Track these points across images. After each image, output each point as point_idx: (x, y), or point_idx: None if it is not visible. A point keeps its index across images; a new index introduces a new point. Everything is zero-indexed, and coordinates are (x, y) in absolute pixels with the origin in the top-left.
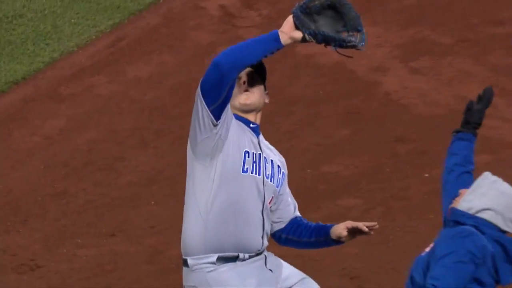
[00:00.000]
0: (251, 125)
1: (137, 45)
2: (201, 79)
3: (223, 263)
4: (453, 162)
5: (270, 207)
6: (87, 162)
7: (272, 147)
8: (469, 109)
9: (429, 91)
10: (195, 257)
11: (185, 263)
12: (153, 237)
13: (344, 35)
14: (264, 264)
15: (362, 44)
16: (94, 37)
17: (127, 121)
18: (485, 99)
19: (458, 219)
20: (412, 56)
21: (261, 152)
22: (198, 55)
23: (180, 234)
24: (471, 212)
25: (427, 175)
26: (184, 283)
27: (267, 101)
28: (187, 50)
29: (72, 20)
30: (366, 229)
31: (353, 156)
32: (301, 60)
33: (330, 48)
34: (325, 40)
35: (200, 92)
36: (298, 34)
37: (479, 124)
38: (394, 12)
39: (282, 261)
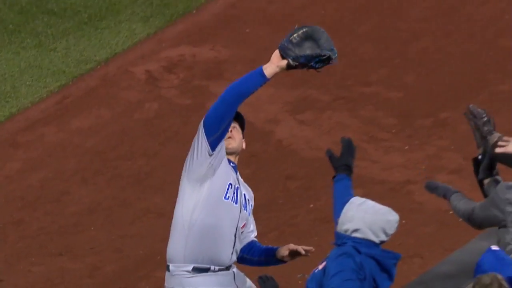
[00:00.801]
0: (231, 164)
1: (80, 102)
2: (205, 115)
3: (197, 273)
4: (337, 197)
5: (242, 232)
6: (39, 196)
7: (245, 184)
8: (329, 157)
9: (313, 139)
10: (175, 264)
11: (167, 268)
12: (93, 256)
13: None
14: (233, 279)
15: (336, 56)
16: (45, 95)
17: (72, 163)
18: (344, 147)
19: (340, 241)
20: (299, 110)
21: (238, 186)
22: (129, 110)
23: (115, 254)
24: (347, 233)
25: (312, 205)
26: (165, 285)
27: (244, 146)
28: (119, 106)
29: (28, 83)
30: (303, 252)
31: (253, 190)
32: None
33: (311, 68)
34: (307, 60)
35: (203, 124)
36: (284, 62)
37: (347, 165)
38: (284, 75)
39: (247, 278)
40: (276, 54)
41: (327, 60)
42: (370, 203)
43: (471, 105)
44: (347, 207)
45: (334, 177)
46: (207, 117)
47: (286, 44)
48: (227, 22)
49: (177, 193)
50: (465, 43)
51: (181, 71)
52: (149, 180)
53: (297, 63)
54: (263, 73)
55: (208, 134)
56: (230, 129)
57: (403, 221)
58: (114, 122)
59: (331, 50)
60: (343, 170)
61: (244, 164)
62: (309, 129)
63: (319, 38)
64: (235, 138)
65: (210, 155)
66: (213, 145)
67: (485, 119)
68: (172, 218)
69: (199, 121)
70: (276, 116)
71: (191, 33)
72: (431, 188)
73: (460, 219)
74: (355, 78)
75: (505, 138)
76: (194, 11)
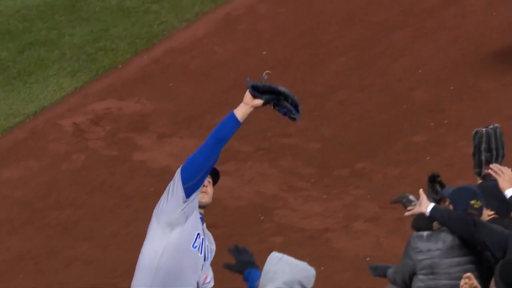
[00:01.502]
0: (200, 214)
1: (9, 154)
2: (184, 162)
3: None
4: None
5: (203, 283)
6: None
7: (209, 235)
8: (229, 267)
9: (234, 188)
10: None
11: None
12: None
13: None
14: None
15: (299, 116)
16: None
17: (1, 213)
18: (234, 253)
19: None
20: (221, 161)
21: (204, 237)
22: (56, 161)
23: None
24: None
25: None
26: None
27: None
28: (47, 157)
29: None
30: None
31: None
32: (136, 164)
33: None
34: (284, 96)
35: (180, 170)
36: (258, 101)
37: (247, 262)
38: (207, 127)
39: None
40: (248, 95)
41: (294, 109)
42: (286, 259)
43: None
44: (266, 267)
45: (243, 277)
46: (186, 164)
47: (258, 84)
48: (151, 76)
49: (105, 240)
50: (380, 96)
51: (107, 123)
52: (77, 229)
53: (272, 100)
54: (236, 117)
55: (184, 181)
56: (206, 183)
57: (322, 268)
58: (42, 173)
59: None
60: (247, 266)
61: None
62: (231, 179)
63: (286, 94)
64: (209, 193)
65: (184, 202)
66: (188, 193)
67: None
68: (98, 264)
69: (125, 172)
70: None
71: (117, 87)
72: (372, 270)
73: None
74: (274, 130)
75: (412, 200)
76: (120, 66)
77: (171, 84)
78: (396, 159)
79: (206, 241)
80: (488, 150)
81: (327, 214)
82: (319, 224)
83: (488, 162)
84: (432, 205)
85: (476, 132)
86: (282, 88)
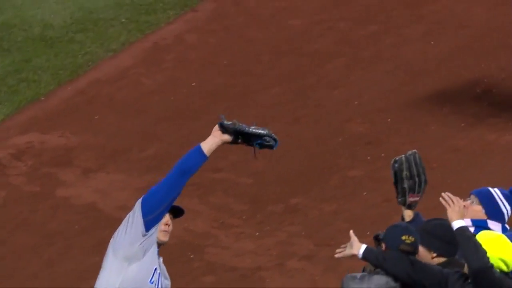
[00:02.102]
0: (156, 249)
1: None
2: (145, 193)
3: None
4: None
5: None
6: None
7: (165, 271)
8: None
9: None
10: None
11: None
12: None
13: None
14: None
15: (276, 144)
16: None
17: None
18: None
19: None
20: None
21: (160, 272)
22: None
23: None
24: None
25: None
26: None
27: None
28: None
29: None
30: None
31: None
32: (60, 200)
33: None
34: (258, 136)
35: (141, 202)
36: (227, 136)
37: None
38: (134, 161)
39: None
40: (216, 129)
41: (269, 144)
42: None
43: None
44: None
45: None
46: (147, 196)
47: (225, 124)
48: (76, 109)
49: (27, 280)
50: (315, 128)
51: (29, 158)
52: None
53: (242, 138)
54: (202, 151)
55: (145, 214)
56: (169, 222)
57: None
58: None
59: (274, 139)
60: None
61: (93, 253)
62: None
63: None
64: (169, 232)
65: (143, 236)
66: (148, 226)
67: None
68: None
69: (48, 209)
70: (126, 203)
71: (40, 120)
72: None
73: None
74: (204, 164)
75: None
76: (43, 98)
77: (96, 117)
78: (332, 194)
79: (162, 276)
80: (410, 177)
81: (260, 252)
82: (252, 263)
83: (412, 189)
84: (364, 246)
85: (395, 161)
86: (250, 130)
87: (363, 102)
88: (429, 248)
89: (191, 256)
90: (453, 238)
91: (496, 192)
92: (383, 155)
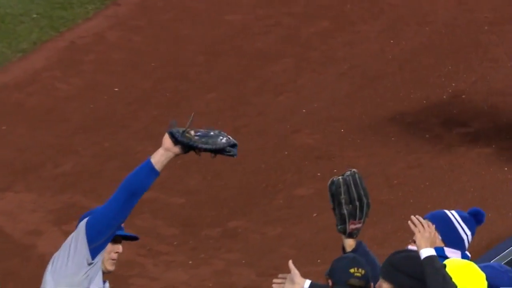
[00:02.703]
0: (101, 274)
1: None
2: (89, 218)
3: None
4: None
5: None
6: None
7: None
8: None
9: None
10: None
11: None
12: None
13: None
14: None
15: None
16: None
17: None
18: None
19: None
20: (65, 219)
21: None
22: None
23: None
24: None
25: None
26: None
27: None
28: None
29: None
30: None
31: None
32: None
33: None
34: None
35: (85, 228)
36: (180, 149)
37: None
38: (48, 179)
39: None
40: (167, 139)
41: (230, 154)
42: None
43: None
44: None
45: None
46: (93, 221)
47: (175, 133)
48: None
49: None
50: (257, 140)
51: None
52: None
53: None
54: (152, 165)
55: (90, 241)
56: (119, 250)
57: None
58: None
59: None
60: None
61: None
62: None
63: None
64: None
65: (89, 264)
66: (94, 254)
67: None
68: None
69: None
70: (38, 227)
71: None
72: None
73: None
74: None
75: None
76: None
77: (3, 128)
78: (277, 216)
79: None
80: (349, 202)
81: (194, 283)
82: None
83: (352, 215)
84: (308, 282)
85: (332, 182)
86: (208, 147)
87: (313, 110)
88: (396, 285)
89: None
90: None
91: (453, 215)
92: (335, 170)
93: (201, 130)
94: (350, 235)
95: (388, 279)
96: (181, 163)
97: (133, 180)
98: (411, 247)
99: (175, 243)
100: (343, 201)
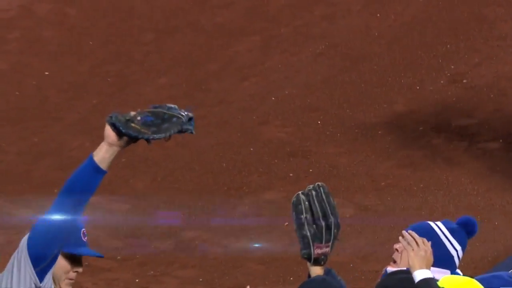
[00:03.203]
0: None
1: None
2: (29, 237)
3: None
4: None
5: None
6: None
7: None
8: None
9: None
10: None
11: None
12: None
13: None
14: None
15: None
16: None
17: None
18: None
19: None
20: None
21: None
22: None
23: None
24: None
25: None
26: None
27: None
28: None
29: None
30: None
31: None
32: None
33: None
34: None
35: (28, 253)
36: (123, 142)
37: None
38: None
39: None
40: (109, 130)
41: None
42: None
43: None
44: None
45: None
46: (34, 239)
47: (117, 123)
48: None
49: None
50: (217, 134)
51: None
52: None
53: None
54: (97, 165)
55: (35, 262)
56: (79, 270)
57: None
58: None
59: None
60: None
61: None
62: None
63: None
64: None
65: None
66: (42, 275)
67: None
68: None
69: None
70: None
71: None
72: None
73: None
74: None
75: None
76: None
77: None
78: (241, 226)
79: None
80: (313, 222)
81: None
82: None
83: (318, 238)
84: None
85: (296, 199)
86: (158, 136)
87: (284, 98)
88: None
89: None
90: None
91: (439, 227)
92: (311, 170)
93: (147, 112)
94: (317, 262)
95: None
96: (126, 161)
97: (75, 183)
98: (390, 268)
99: (119, 257)
100: (306, 221)
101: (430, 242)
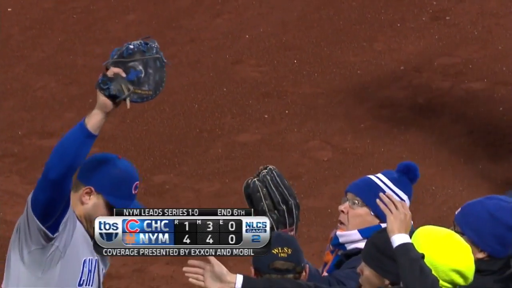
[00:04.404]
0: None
1: None
2: (31, 198)
3: None
4: None
5: None
6: None
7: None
8: None
9: None
10: None
11: None
12: None
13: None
14: None
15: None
16: None
17: None
18: None
19: None
20: None
21: (97, 258)
22: None
23: None
24: None
25: None
26: None
27: None
28: None
29: None
30: None
31: None
32: None
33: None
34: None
35: (32, 211)
36: (114, 105)
37: None
38: None
39: None
40: (104, 99)
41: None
42: None
43: None
44: None
45: None
46: (34, 204)
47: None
48: None
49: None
50: (188, 74)
51: None
52: None
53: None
54: (90, 132)
55: (43, 222)
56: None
57: None
58: None
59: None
60: None
61: None
62: None
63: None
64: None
65: (51, 238)
66: (53, 228)
67: None
68: None
69: None
70: None
71: None
72: None
73: None
74: (29, 127)
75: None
76: None
77: None
78: (214, 169)
79: (100, 261)
80: (273, 207)
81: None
82: None
83: (281, 223)
84: (240, 278)
85: (248, 186)
86: (152, 95)
87: (259, 35)
88: (381, 272)
89: None
90: None
91: (381, 179)
92: (287, 112)
93: (126, 63)
94: None
95: (371, 264)
96: (93, 102)
97: (67, 150)
98: (340, 232)
99: None
100: (265, 208)
101: (405, 204)
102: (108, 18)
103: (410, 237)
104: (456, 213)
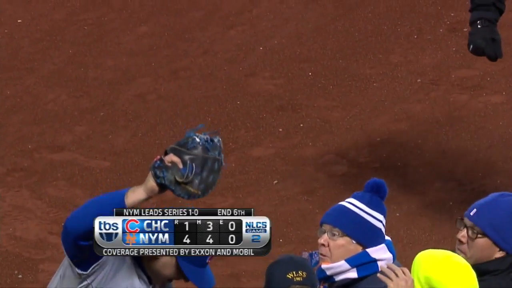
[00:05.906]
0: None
1: None
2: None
3: None
4: None
5: None
6: None
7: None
8: None
9: None
10: None
11: None
12: None
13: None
14: None
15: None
16: None
17: None
18: None
19: None
20: None
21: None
22: None
23: None
24: None
25: None
26: None
27: None
28: None
29: None
30: None
31: None
32: None
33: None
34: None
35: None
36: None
37: None
38: None
39: None
40: (153, 184)
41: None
42: None
43: None
44: None
45: None
46: (64, 240)
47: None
48: None
49: None
50: (201, 86)
51: None
52: None
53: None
54: (124, 204)
55: (70, 256)
56: None
57: None
58: None
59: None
60: None
61: None
62: None
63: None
64: None
65: (82, 274)
66: (83, 267)
67: None
68: None
69: None
70: None
71: None
72: None
73: None
74: (39, 142)
75: None
76: None
77: None
78: (227, 184)
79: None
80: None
81: None
82: None
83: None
84: None
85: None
86: (202, 195)
87: (273, 48)
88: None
89: (19, 276)
90: None
91: (354, 204)
92: (302, 125)
93: (186, 145)
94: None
95: None
96: (105, 115)
97: (98, 210)
98: (325, 265)
99: None
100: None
101: (407, 272)
102: (120, 29)
103: None
104: (470, 214)
